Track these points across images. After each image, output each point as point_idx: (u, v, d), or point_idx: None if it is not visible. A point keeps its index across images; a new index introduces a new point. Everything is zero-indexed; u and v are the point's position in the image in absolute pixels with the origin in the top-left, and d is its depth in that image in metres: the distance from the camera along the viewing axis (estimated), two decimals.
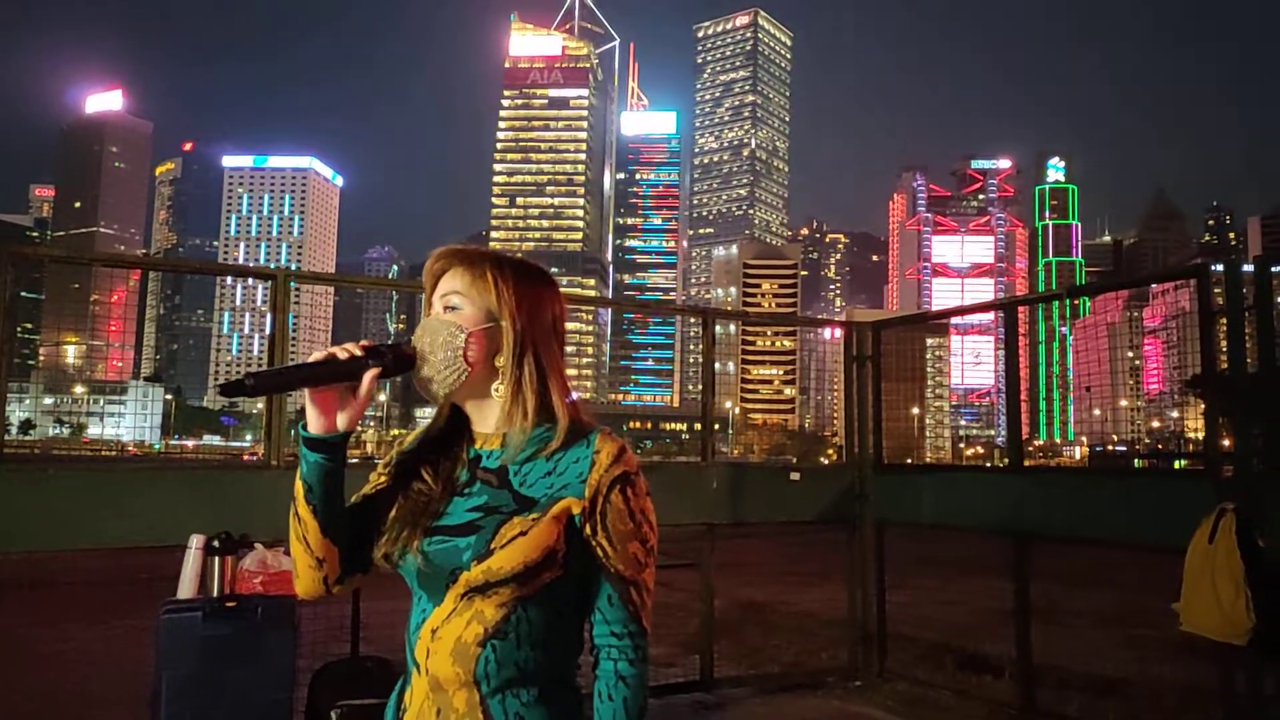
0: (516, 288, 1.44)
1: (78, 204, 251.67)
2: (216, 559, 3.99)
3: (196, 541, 4.03)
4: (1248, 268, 4.06)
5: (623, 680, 1.37)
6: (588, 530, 1.38)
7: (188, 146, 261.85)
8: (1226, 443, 4.44)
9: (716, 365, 6.32)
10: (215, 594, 3.95)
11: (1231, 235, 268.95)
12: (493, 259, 1.46)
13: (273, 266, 5.04)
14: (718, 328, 6.40)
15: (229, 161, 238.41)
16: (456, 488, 1.43)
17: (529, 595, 1.35)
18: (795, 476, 6.35)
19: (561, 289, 1.56)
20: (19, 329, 4.41)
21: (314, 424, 1.36)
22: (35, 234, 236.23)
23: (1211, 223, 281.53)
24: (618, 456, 1.39)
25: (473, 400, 1.45)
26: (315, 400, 1.35)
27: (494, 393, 1.43)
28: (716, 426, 6.43)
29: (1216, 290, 4.28)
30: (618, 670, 1.38)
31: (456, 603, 1.36)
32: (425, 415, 1.59)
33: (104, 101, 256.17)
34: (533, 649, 1.35)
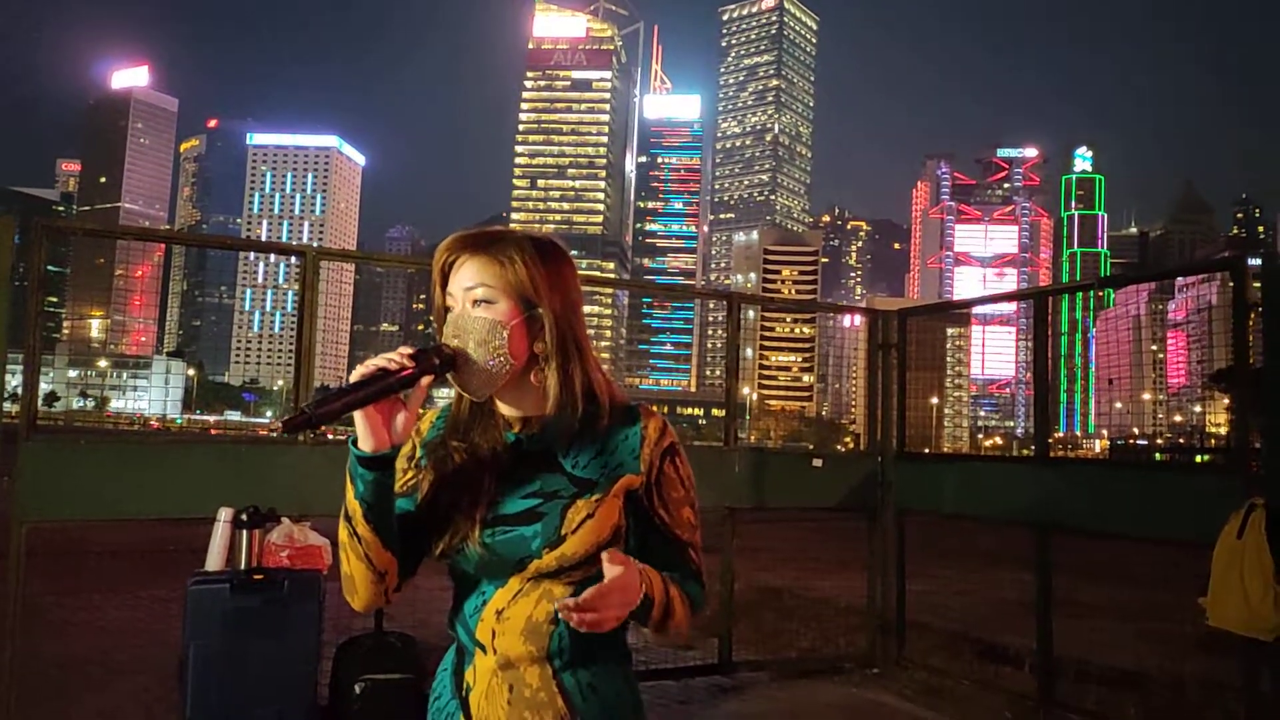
0: (546, 270, 1.41)
1: (103, 179, 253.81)
2: (244, 532, 4.03)
3: (225, 515, 4.08)
4: None
5: (688, 577, 1.44)
6: (646, 503, 1.42)
7: (212, 123, 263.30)
8: (1251, 438, 4.39)
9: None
10: (243, 567, 3.99)
11: (1261, 229, 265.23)
12: (514, 243, 1.41)
13: (295, 244, 5.06)
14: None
15: (253, 139, 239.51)
16: (505, 475, 1.40)
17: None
18: (818, 463, 6.33)
19: (581, 271, 1.54)
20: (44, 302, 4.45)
21: (367, 442, 1.30)
22: (60, 208, 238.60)
23: (1240, 216, 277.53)
24: (663, 430, 1.44)
25: (509, 387, 1.41)
26: (368, 416, 1.29)
27: (532, 379, 1.41)
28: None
29: (1255, 284, 4.22)
30: (684, 577, 1.44)
31: (523, 584, 1.37)
32: (443, 394, 1.55)
33: (131, 77, 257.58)
34: None
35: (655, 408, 1.48)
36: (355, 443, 1.31)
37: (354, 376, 1.29)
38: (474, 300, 1.39)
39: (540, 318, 1.39)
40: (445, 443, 1.44)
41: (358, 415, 1.29)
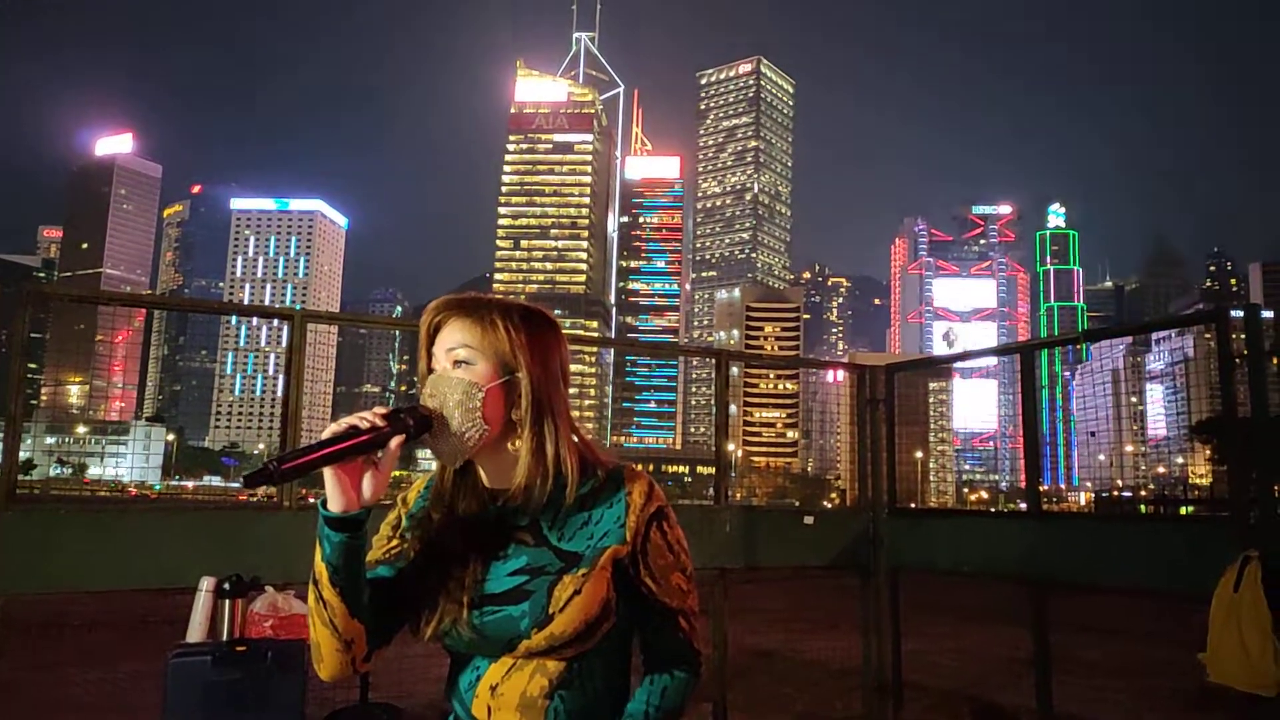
0: (529, 337, 1.39)
1: (84, 245, 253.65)
2: (227, 602, 3.93)
3: (207, 584, 3.98)
4: (1267, 313, 4.05)
5: (669, 680, 1.41)
6: (633, 572, 1.39)
7: (196, 189, 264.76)
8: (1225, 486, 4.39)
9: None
10: (225, 637, 3.89)
11: (1233, 281, 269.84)
12: (500, 308, 1.41)
13: (282, 307, 5.04)
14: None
15: (237, 204, 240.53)
16: (490, 551, 1.37)
17: (588, 648, 1.34)
18: (809, 520, 6.28)
19: (565, 330, 1.54)
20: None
21: (336, 502, 1.26)
22: (42, 275, 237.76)
23: (1213, 268, 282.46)
24: (649, 494, 1.41)
25: (487, 455, 1.39)
26: (337, 476, 1.26)
27: (510, 447, 1.39)
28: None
29: (1235, 336, 4.26)
30: (669, 674, 1.42)
31: (515, 660, 1.35)
32: (426, 455, 1.53)
33: (114, 144, 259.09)
34: (597, 693, 1.36)
35: (641, 467, 1.46)
36: (324, 504, 1.27)
37: (325, 434, 1.26)
38: (454, 361, 1.37)
39: (518, 383, 1.37)
40: (429, 515, 1.42)
41: (327, 474, 1.26)
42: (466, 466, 1.41)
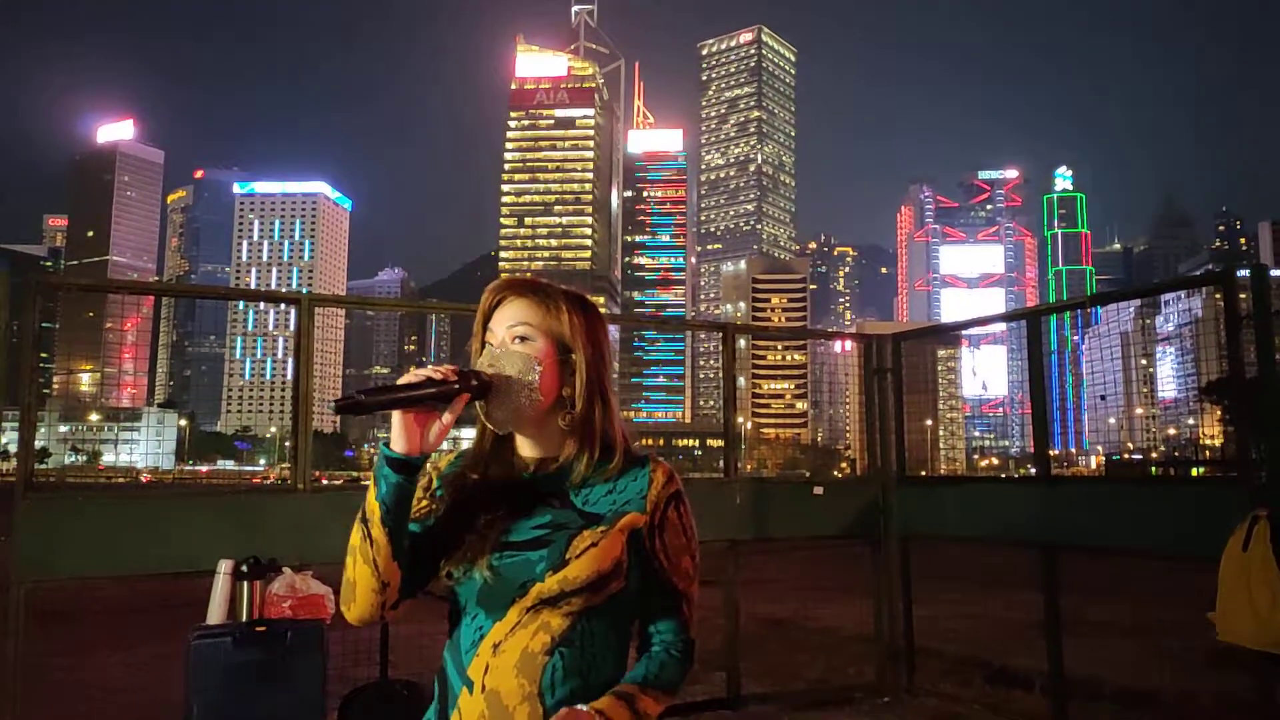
0: (584, 321, 1.50)
1: (90, 233, 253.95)
2: (245, 584, 3.99)
3: (225, 567, 4.04)
4: (1275, 273, 4.03)
5: (668, 657, 1.45)
6: (648, 543, 1.45)
7: (199, 174, 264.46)
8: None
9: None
10: (244, 619, 3.95)
11: (1242, 240, 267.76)
12: (560, 292, 1.51)
13: (290, 291, 5.07)
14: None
15: (240, 188, 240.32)
16: (517, 508, 1.45)
17: (595, 605, 1.39)
18: (818, 491, 6.32)
19: None
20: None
21: (400, 444, 1.36)
22: (49, 264, 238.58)
23: (1221, 228, 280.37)
24: (670, 478, 1.50)
25: (533, 426, 1.48)
26: (405, 421, 1.36)
27: (559, 422, 1.48)
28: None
29: (1242, 296, 4.25)
30: (667, 654, 1.46)
31: (521, 616, 1.39)
32: (465, 438, 1.60)
33: (116, 131, 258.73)
34: (595, 658, 1.40)
35: (651, 441, 1.49)
36: (387, 444, 1.37)
37: (402, 380, 1.36)
38: (515, 336, 1.47)
39: (573, 363, 1.48)
40: (464, 474, 1.50)
41: (396, 416, 1.36)
42: (506, 435, 1.50)
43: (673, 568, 1.47)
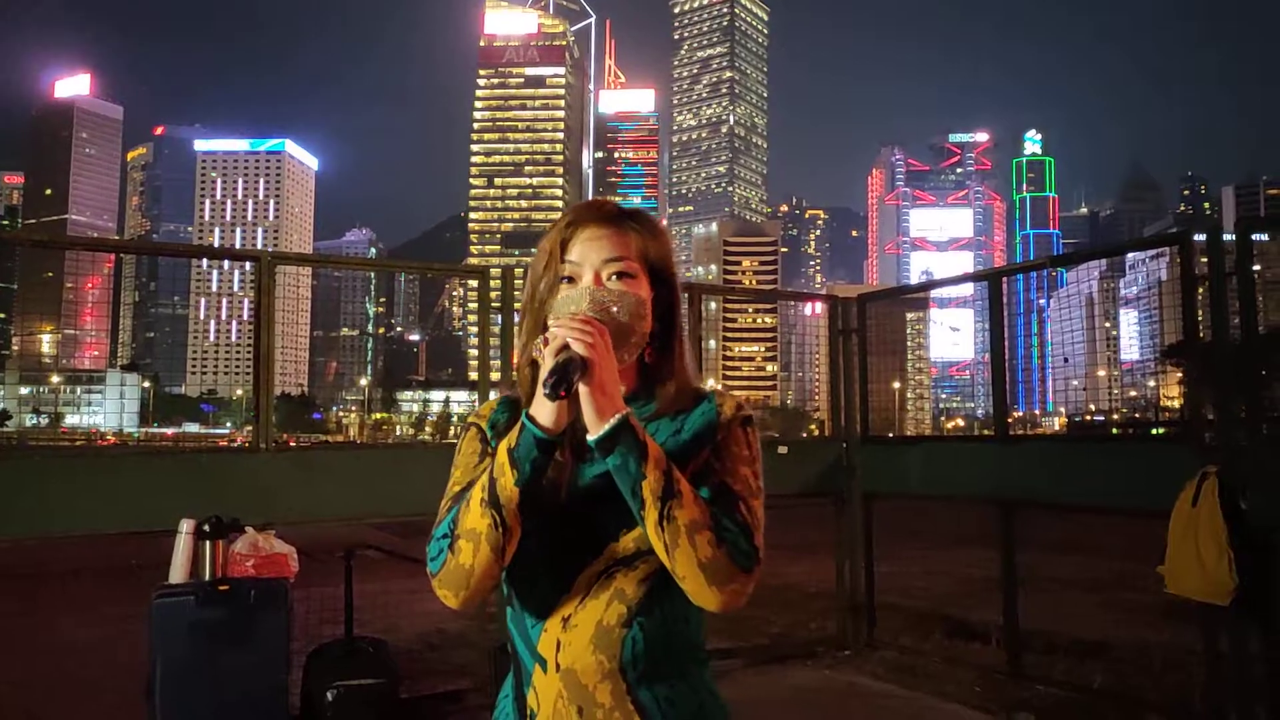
0: (669, 251, 1.37)
1: (48, 191, 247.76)
2: (208, 543, 3.98)
3: (187, 526, 4.02)
4: (1229, 236, 4.10)
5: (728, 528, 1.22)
6: (712, 460, 1.29)
7: (159, 130, 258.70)
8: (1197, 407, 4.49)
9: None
10: (207, 578, 3.94)
11: (1207, 205, 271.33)
12: (647, 218, 1.37)
13: (251, 249, 5.00)
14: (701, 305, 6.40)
15: (201, 145, 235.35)
16: (580, 453, 1.29)
17: None
18: (782, 450, 6.38)
19: None
20: None
21: (549, 419, 1.18)
22: (5, 222, 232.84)
23: (1187, 193, 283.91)
24: (740, 405, 1.35)
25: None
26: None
27: (628, 359, 1.30)
28: None
29: (1204, 260, 4.32)
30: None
31: (591, 584, 1.26)
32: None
33: (72, 86, 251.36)
34: (675, 624, 1.27)
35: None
36: (533, 422, 1.18)
37: (552, 345, 1.18)
38: (613, 273, 1.30)
39: (665, 297, 1.35)
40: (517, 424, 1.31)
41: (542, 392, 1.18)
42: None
43: (730, 472, 1.27)
